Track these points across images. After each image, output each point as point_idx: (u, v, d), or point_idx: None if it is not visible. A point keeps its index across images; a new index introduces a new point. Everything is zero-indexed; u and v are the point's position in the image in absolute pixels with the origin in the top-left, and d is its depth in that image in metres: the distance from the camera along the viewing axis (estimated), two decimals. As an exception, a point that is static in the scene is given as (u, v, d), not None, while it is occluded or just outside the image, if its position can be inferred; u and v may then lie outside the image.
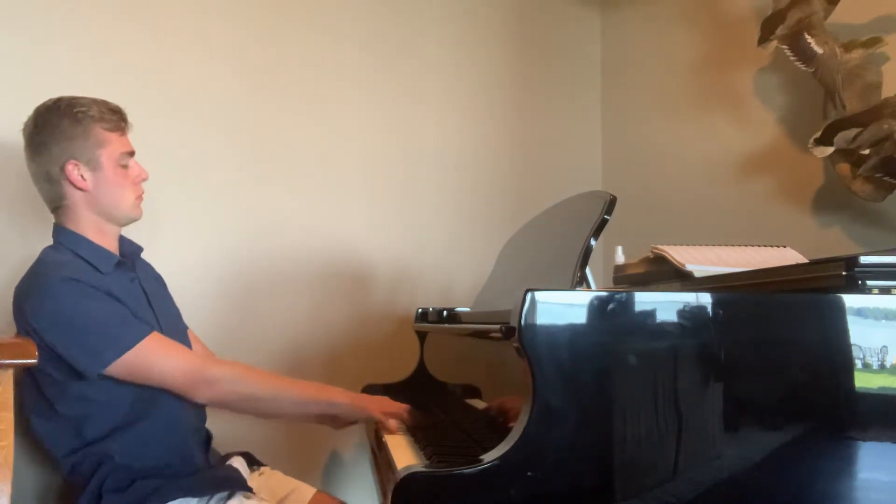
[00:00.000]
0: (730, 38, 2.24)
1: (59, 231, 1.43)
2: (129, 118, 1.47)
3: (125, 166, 1.44)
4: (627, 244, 1.57)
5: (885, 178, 1.69)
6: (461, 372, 1.62)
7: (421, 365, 1.91)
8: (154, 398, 1.37)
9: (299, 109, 2.13)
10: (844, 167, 1.78)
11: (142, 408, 1.37)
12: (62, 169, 1.39)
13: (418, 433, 1.40)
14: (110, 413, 1.35)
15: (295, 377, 1.61)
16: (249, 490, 1.44)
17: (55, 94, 1.51)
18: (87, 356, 1.30)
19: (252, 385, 1.43)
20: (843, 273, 0.92)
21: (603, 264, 2.36)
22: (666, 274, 1.33)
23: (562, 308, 0.93)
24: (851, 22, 1.85)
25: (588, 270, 1.21)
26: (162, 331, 1.43)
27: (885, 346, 0.95)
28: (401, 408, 1.48)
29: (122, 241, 1.50)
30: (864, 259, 0.92)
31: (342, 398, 1.48)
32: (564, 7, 2.68)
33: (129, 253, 1.51)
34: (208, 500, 1.37)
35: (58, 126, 1.38)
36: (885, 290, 0.94)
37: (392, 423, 1.44)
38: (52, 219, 1.47)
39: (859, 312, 0.95)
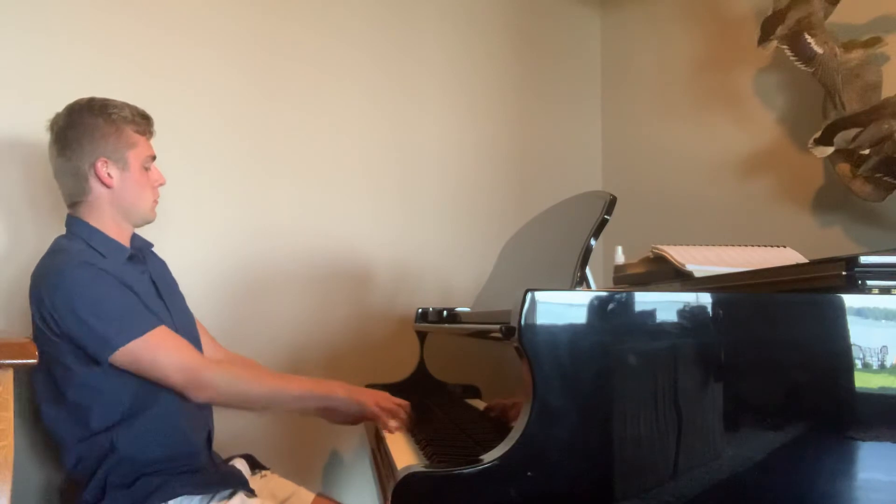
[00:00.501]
0: (730, 38, 2.24)
1: (74, 221, 1.46)
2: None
3: (147, 169, 1.50)
4: (627, 244, 1.57)
5: (885, 178, 1.69)
6: (461, 372, 1.62)
7: (421, 365, 1.91)
8: (157, 391, 1.38)
9: (300, 109, 2.13)
10: (844, 167, 1.78)
11: (145, 400, 1.38)
12: (92, 165, 1.43)
13: (418, 433, 1.40)
14: (115, 403, 1.37)
15: (295, 377, 1.61)
16: (251, 491, 1.45)
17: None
18: (98, 340, 1.32)
19: (249, 386, 1.44)
20: (843, 273, 0.92)
21: (603, 264, 2.36)
22: (666, 274, 1.33)
23: (562, 308, 0.93)
24: (851, 22, 1.85)
25: (588, 270, 1.21)
26: (173, 323, 1.46)
27: (885, 346, 0.95)
28: (399, 403, 1.49)
29: (133, 236, 1.54)
30: (864, 259, 0.92)
31: (340, 391, 1.49)
32: (564, 7, 2.68)
33: (140, 247, 1.55)
34: (211, 498, 1.38)
35: (92, 124, 1.43)
36: (885, 290, 0.94)
37: (392, 422, 1.45)
38: (60, 215, 1.49)
39: (859, 312, 0.95)
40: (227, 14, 2.01)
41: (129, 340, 1.32)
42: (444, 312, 1.88)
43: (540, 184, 2.53)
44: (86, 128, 1.43)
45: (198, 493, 1.36)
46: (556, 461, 0.91)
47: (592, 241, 1.19)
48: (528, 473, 0.90)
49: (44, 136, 1.48)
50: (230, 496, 1.39)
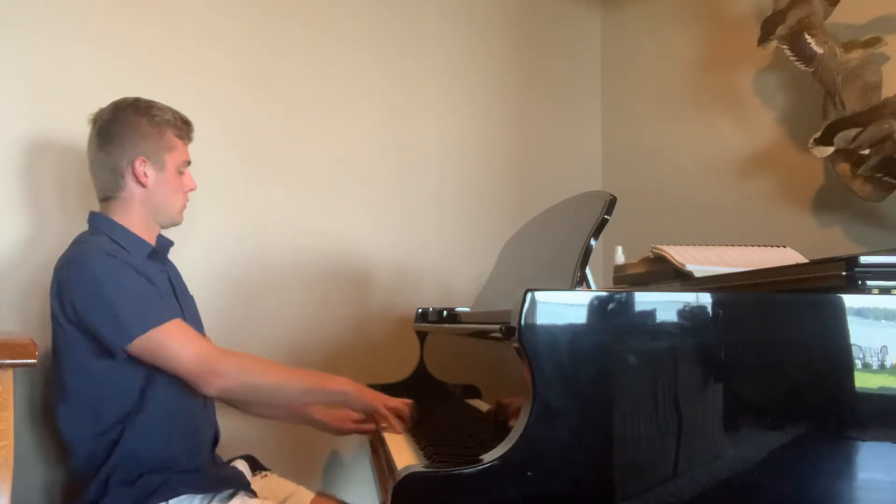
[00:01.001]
0: (730, 38, 2.24)
1: (97, 217, 1.49)
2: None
3: (182, 173, 1.54)
4: (627, 244, 1.56)
5: (885, 178, 1.69)
6: (461, 372, 1.62)
7: (421, 365, 1.91)
8: (166, 389, 1.39)
9: (300, 110, 2.13)
10: (844, 167, 1.78)
11: (154, 396, 1.39)
12: (130, 163, 1.47)
13: (418, 433, 1.40)
14: (126, 394, 1.38)
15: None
16: (252, 492, 1.46)
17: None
18: (115, 329, 1.33)
19: (260, 375, 1.44)
20: (843, 273, 0.92)
21: (603, 264, 2.36)
22: (666, 274, 1.32)
23: (562, 308, 0.93)
24: (851, 22, 1.85)
25: (588, 270, 1.21)
26: (187, 322, 1.46)
27: (885, 346, 0.95)
28: (405, 402, 1.50)
29: (158, 235, 1.57)
30: (864, 259, 0.92)
31: (349, 387, 1.49)
32: (564, 7, 2.68)
33: (162, 246, 1.57)
34: (212, 498, 1.38)
35: (136, 123, 1.47)
36: (885, 290, 0.94)
37: (395, 422, 1.46)
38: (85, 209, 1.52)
39: (859, 312, 0.95)
40: (227, 15, 2.01)
41: (147, 329, 1.34)
42: (444, 312, 1.88)
43: (540, 184, 2.53)
44: (129, 125, 1.47)
45: (199, 493, 1.37)
46: (556, 461, 0.91)
47: (592, 241, 1.19)
48: (528, 473, 0.90)
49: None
50: (231, 496, 1.40)
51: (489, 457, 0.90)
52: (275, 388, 1.47)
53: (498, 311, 1.18)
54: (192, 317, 1.57)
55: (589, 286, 1.22)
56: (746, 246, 1.38)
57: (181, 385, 1.39)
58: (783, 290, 1.01)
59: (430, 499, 0.90)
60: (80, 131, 1.55)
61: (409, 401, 1.52)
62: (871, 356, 0.95)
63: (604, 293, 0.95)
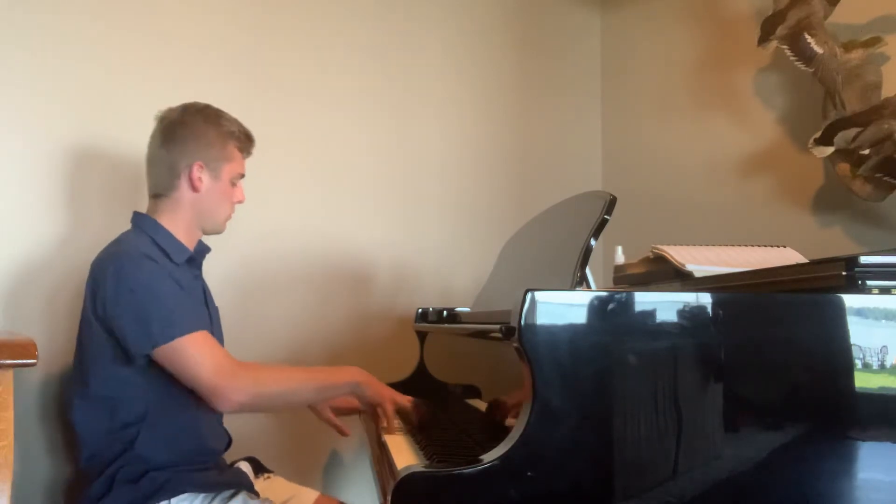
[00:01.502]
0: (730, 38, 2.24)
1: (141, 218, 1.50)
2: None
3: (234, 185, 1.56)
4: (627, 244, 1.56)
5: (885, 178, 1.69)
6: (461, 372, 1.62)
7: (421, 365, 1.91)
8: (182, 394, 1.39)
9: (299, 109, 2.13)
10: (844, 167, 1.78)
11: (169, 401, 1.39)
12: (188, 166, 1.48)
13: (418, 433, 1.40)
14: (141, 400, 1.38)
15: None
16: (255, 493, 1.46)
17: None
18: (140, 335, 1.33)
19: (272, 387, 1.43)
20: (843, 273, 0.92)
21: (603, 264, 2.36)
22: (666, 274, 1.32)
23: (562, 308, 0.93)
24: (851, 22, 1.85)
25: (588, 270, 1.21)
26: (213, 331, 1.47)
27: (885, 346, 0.95)
28: (409, 400, 1.50)
29: (197, 241, 1.58)
30: (864, 259, 0.92)
31: (359, 376, 1.49)
32: (564, 7, 2.68)
33: (200, 252, 1.58)
34: (213, 497, 1.39)
35: (203, 128, 1.50)
36: (885, 290, 0.94)
37: (393, 424, 1.46)
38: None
39: (859, 312, 0.95)
40: (228, 16, 2.01)
41: (171, 339, 1.33)
42: (444, 312, 1.88)
43: (540, 184, 2.53)
44: (196, 129, 1.49)
45: (202, 492, 1.37)
46: (556, 461, 0.91)
47: (592, 241, 1.19)
48: (528, 473, 0.90)
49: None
50: (233, 496, 1.40)
51: (489, 457, 0.90)
52: (287, 396, 1.47)
53: (498, 312, 1.18)
54: (216, 324, 1.59)
55: (589, 286, 1.22)
56: (746, 246, 1.38)
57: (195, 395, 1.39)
58: (783, 290, 1.01)
59: (430, 499, 0.90)
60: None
61: (419, 400, 1.51)
62: (872, 356, 0.95)
63: (604, 293, 0.95)
